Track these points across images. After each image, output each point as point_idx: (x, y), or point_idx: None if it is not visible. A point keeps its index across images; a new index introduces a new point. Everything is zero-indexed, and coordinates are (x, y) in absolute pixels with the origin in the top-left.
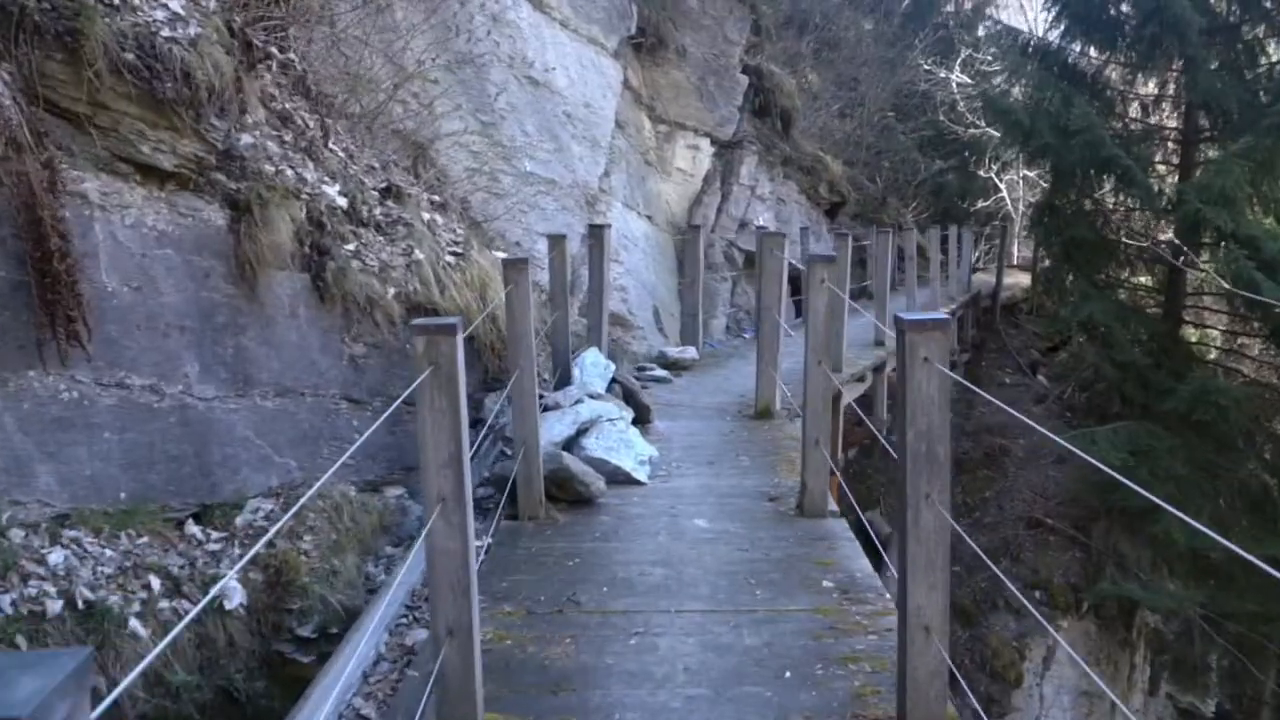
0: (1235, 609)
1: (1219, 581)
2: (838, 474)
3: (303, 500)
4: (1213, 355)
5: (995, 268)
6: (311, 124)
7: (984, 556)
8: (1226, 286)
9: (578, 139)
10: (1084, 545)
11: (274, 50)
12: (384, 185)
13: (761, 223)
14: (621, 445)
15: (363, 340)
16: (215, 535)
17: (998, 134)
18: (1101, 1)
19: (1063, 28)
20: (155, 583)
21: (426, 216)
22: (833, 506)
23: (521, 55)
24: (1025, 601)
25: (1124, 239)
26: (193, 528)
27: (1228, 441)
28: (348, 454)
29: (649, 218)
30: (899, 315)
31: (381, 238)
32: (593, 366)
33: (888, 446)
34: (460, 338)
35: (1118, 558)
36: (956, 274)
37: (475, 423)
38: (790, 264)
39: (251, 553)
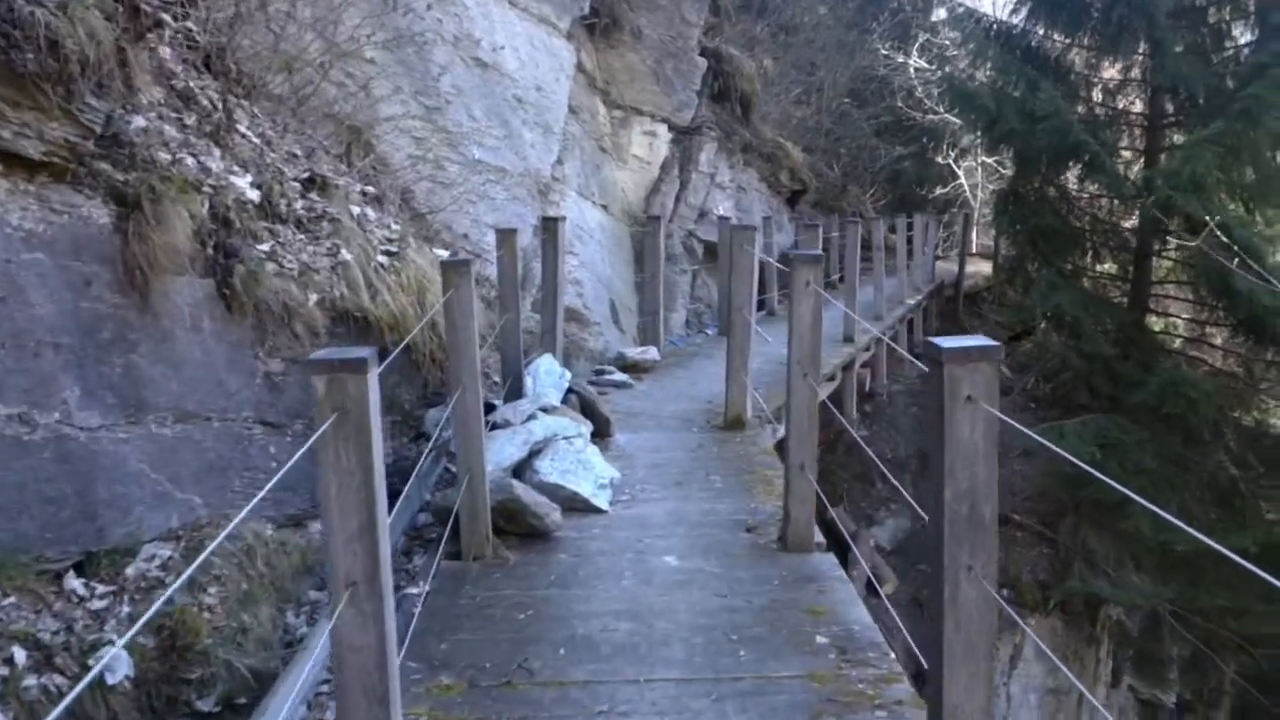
0: (1204, 603)
1: (1187, 575)
2: (816, 489)
3: (209, 549)
4: (1176, 344)
5: (957, 256)
6: (220, 105)
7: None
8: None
9: (529, 124)
10: (1051, 541)
11: (165, 17)
12: (306, 175)
13: (722, 212)
14: (579, 467)
15: (279, 355)
16: (101, 589)
17: (958, 120)
18: None
19: (1027, 10)
20: (20, 655)
21: (356, 210)
22: (819, 538)
23: (468, 34)
24: (998, 599)
25: (1088, 226)
26: (73, 581)
27: (1196, 434)
28: (266, 488)
29: (604, 207)
30: (932, 342)
31: (303, 235)
32: (547, 375)
33: (862, 445)
34: (375, 373)
35: (1086, 554)
36: (921, 263)
37: (417, 436)
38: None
39: (145, 619)
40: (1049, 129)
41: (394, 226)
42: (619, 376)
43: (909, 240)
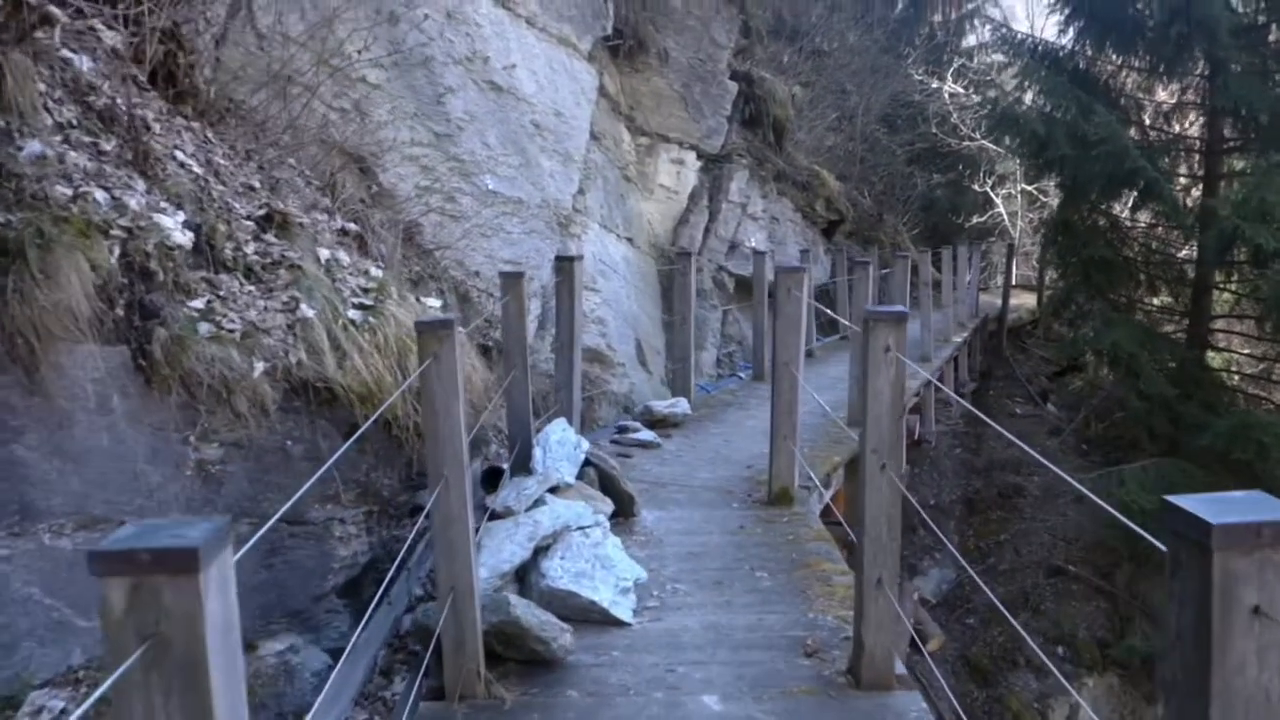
0: None
1: None
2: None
3: (100, 690)
4: (1235, 381)
5: (999, 288)
6: (148, 125)
7: (1002, 608)
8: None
9: (547, 152)
10: (1109, 594)
11: (55, 11)
12: (262, 212)
13: (754, 244)
14: (596, 566)
15: (217, 439)
16: None
17: (1002, 146)
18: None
19: (1075, 30)
20: None
21: (326, 254)
22: (900, 668)
23: (481, 56)
24: (1046, 660)
25: (1139, 257)
26: None
27: (1266, 480)
28: None
29: (629, 240)
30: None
31: (252, 287)
32: (559, 445)
33: (903, 491)
34: (228, 568)
35: (1146, 608)
36: (964, 297)
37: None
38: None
39: None
40: (1104, 154)
41: (374, 272)
42: (645, 435)
43: (946, 270)
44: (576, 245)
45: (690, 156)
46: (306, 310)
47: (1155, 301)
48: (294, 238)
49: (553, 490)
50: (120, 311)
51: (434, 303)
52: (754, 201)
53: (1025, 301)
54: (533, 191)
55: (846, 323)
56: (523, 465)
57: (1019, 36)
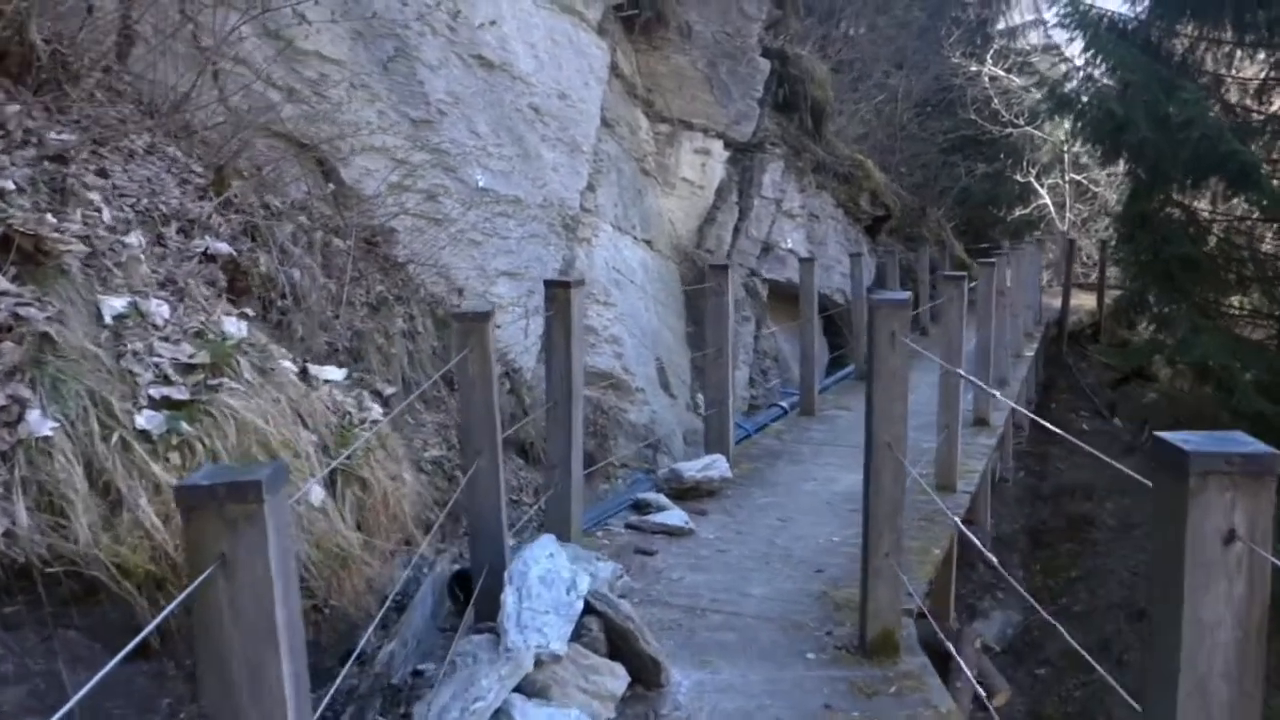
0: None
1: None
2: None
3: None
4: None
5: (1059, 288)
6: None
7: (1086, 654)
8: None
9: (550, 142)
10: None
11: None
12: None
13: (790, 245)
14: None
15: None
16: None
17: (1060, 131)
18: None
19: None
20: None
21: (117, 306)
22: None
23: (468, 26)
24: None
25: (1223, 255)
26: None
27: None
28: None
29: (648, 243)
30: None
31: None
32: (544, 587)
33: (958, 525)
34: None
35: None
36: (1030, 301)
37: None
38: (829, 296)
39: None
40: (1192, 138)
41: (230, 329)
42: (673, 517)
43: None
44: (586, 251)
45: (717, 146)
46: (38, 423)
47: (1234, 302)
48: (47, 280)
49: (536, 666)
50: None
51: (333, 374)
52: (790, 196)
53: (1084, 303)
54: (532, 189)
55: (956, 371)
56: (487, 612)
57: (1084, 6)
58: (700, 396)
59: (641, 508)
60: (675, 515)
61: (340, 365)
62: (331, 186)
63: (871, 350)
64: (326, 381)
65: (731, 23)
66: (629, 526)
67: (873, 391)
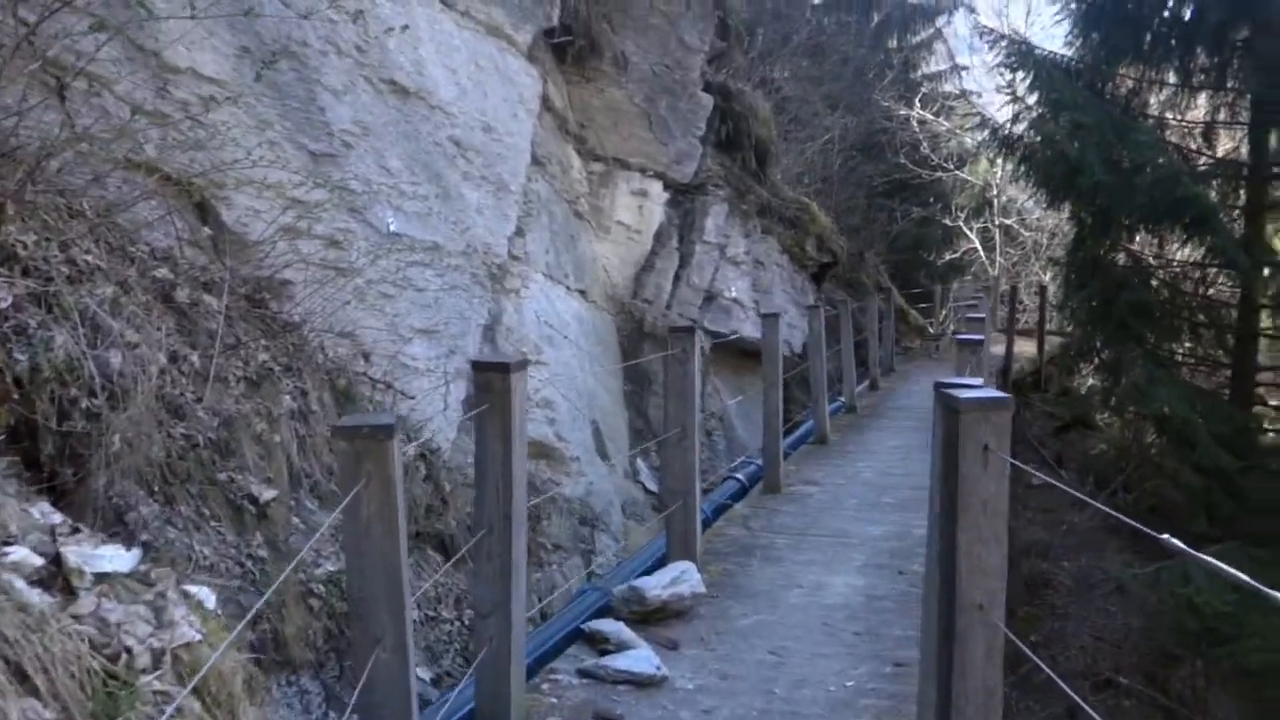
0: None
1: None
2: None
3: None
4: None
5: (1004, 337)
6: None
7: None
8: None
9: (473, 180)
10: (1170, 712)
11: None
12: None
13: (734, 294)
14: None
15: None
16: None
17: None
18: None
19: (1088, 41)
20: None
21: None
22: None
23: (379, 47)
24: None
25: (1171, 301)
26: None
27: None
28: None
29: (582, 293)
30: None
31: None
32: None
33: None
34: None
35: None
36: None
37: None
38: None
39: None
40: (1150, 181)
41: None
42: (639, 660)
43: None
44: (514, 304)
45: (656, 187)
46: None
47: (1181, 349)
48: None
49: None
50: None
51: (112, 562)
52: (734, 241)
53: (1024, 349)
54: (453, 233)
55: (789, 350)
56: None
57: (1025, 44)
58: (641, 462)
59: (596, 641)
60: (642, 657)
61: (169, 501)
62: (208, 230)
63: (949, 469)
64: (97, 580)
65: (672, 54)
66: (583, 674)
67: (956, 530)
